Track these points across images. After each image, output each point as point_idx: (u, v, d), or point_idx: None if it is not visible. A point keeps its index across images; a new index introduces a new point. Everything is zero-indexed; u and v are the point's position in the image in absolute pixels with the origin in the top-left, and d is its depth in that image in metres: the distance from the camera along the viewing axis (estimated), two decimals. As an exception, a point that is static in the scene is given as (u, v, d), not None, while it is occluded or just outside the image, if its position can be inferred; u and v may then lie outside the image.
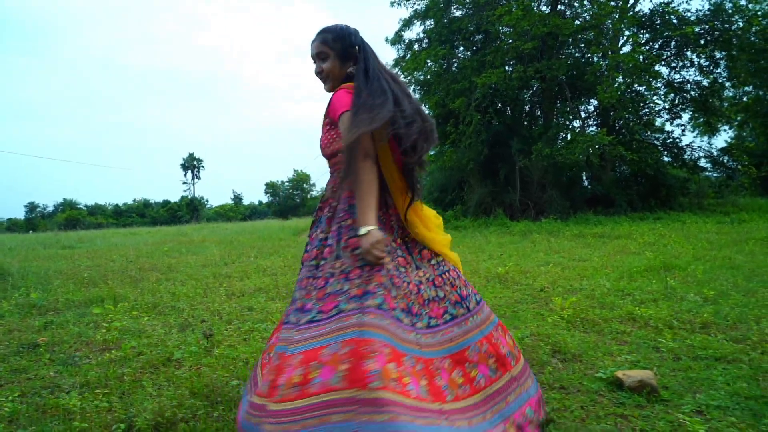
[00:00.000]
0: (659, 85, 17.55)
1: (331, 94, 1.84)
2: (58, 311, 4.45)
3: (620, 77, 14.02)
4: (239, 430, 1.57)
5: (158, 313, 4.27)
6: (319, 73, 1.87)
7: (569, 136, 15.44)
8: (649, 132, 17.75)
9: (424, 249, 1.83)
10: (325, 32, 1.86)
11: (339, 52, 1.84)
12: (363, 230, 1.59)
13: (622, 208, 15.79)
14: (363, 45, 1.86)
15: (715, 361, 2.58)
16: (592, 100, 17.02)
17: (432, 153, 18.74)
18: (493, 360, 1.71)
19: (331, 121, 1.82)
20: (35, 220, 64.13)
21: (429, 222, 1.90)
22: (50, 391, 2.46)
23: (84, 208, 70.05)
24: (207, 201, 76.74)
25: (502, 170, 16.74)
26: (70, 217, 57.26)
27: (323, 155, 1.90)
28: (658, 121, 18.44)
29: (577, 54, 16.89)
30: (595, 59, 15.44)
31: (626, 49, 15.07)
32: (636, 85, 15.24)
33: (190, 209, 67.64)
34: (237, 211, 67.48)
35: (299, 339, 1.55)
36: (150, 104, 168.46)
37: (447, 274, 1.82)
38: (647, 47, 16.55)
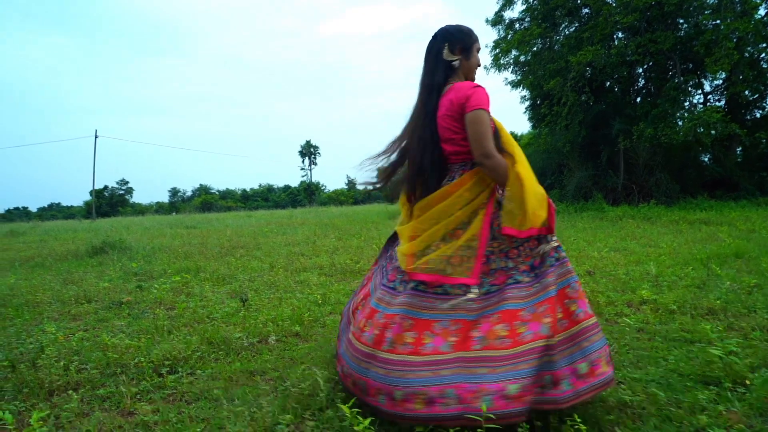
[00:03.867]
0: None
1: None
2: (151, 278, 5.37)
3: (748, 46, 12.52)
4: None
5: (223, 282, 4.98)
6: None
7: (678, 114, 14.15)
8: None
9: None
10: None
11: None
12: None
13: (748, 192, 14.23)
14: None
15: (689, 343, 2.58)
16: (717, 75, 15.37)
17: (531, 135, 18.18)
18: (562, 314, 1.81)
19: None
20: (177, 203, 72.46)
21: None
22: (112, 335, 3.15)
23: (216, 192, 77.64)
24: (324, 186, 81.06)
25: (604, 152, 15.84)
26: (205, 200, 63.84)
27: None
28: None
29: (695, 22, 15.34)
30: (713, 27, 13.93)
31: (761, 13, 13.37)
32: (764, 54, 13.56)
33: (308, 194, 71.91)
34: (349, 196, 70.44)
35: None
36: (271, 96, 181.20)
37: (522, 246, 1.90)
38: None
